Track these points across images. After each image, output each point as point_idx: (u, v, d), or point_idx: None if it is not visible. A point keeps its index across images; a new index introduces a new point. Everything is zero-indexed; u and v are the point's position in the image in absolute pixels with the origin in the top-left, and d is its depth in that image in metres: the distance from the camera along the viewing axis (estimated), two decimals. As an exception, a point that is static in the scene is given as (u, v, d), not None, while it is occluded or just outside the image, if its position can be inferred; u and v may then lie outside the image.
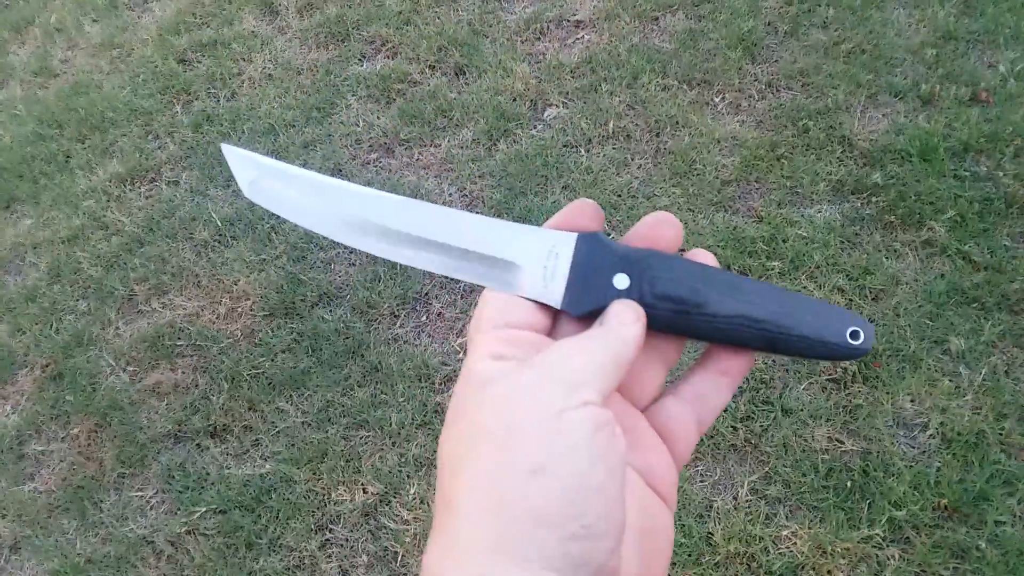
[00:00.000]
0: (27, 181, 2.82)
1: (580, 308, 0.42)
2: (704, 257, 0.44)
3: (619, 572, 0.35)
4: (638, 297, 0.42)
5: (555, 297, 0.42)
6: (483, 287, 0.44)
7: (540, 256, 0.43)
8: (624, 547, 0.36)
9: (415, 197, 2.46)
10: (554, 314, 0.44)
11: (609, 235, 0.44)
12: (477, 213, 0.44)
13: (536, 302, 0.43)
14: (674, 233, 0.44)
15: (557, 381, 0.37)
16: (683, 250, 0.44)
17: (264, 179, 0.46)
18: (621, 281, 0.42)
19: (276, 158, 2.42)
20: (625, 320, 0.41)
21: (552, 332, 0.44)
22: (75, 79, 3.16)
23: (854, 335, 0.41)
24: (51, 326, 2.38)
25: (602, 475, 0.34)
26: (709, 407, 0.45)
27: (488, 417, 0.37)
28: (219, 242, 2.47)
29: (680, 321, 0.42)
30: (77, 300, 2.44)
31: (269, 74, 2.95)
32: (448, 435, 0.39)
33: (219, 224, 2.50)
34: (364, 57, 2.95)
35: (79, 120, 2.96)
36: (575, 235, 0.43)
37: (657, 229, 0.44)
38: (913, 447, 1.78)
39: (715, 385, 0.45)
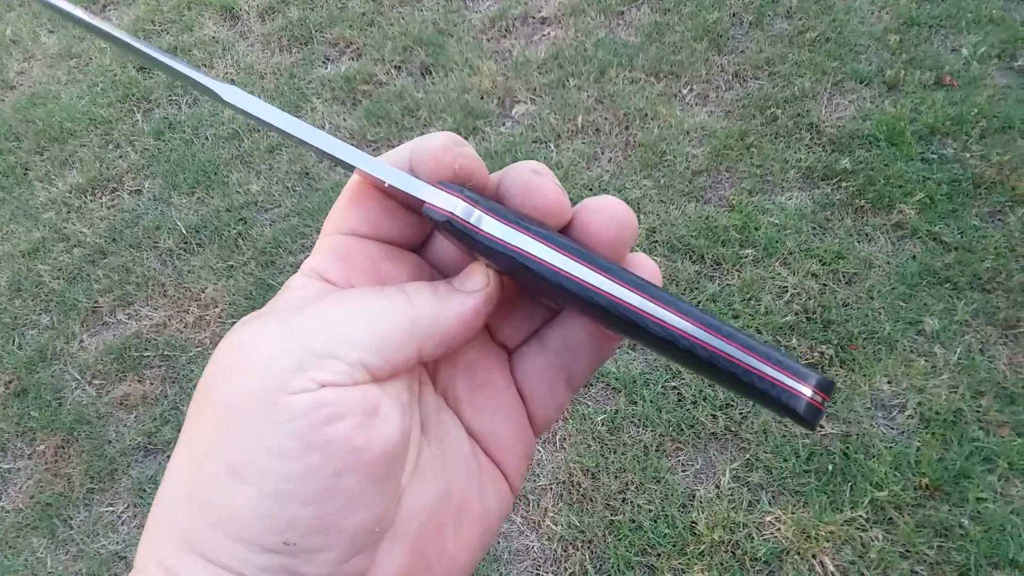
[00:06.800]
0: (-15, 195, 2.75)
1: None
2: (644, 266, 0.32)
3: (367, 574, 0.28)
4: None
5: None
6: None
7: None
8: (386, 544, 0.29)
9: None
10: (430, 231, 0.34)
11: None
12: None
13: (404, 204, 0.32)
14: (615, 234, 0.31)
15: (294, 350, 0.27)
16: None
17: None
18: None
19: (240, 163, 2.33)
20: (469, 284, 0.31)
21: (423, 250, 0.35)
22: (32, 90, 3.09)
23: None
24: (13, 341, 2.32)
25: (322, 483, 0.26)
26: (581, 362, 0.34)
27: (217, 379, 0.28)
28: (185, 250, 2.42)
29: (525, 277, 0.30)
30: (39, 314, 2.38)
31: (232, 79, 2.90)
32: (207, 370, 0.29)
33: (184, 232, 2.45)
34: (328, 60, 2.91)
35: (37, 132, 2.89)
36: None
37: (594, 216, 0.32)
38: (892, 428, 1.78)
39: (590, 336, 0.34)
